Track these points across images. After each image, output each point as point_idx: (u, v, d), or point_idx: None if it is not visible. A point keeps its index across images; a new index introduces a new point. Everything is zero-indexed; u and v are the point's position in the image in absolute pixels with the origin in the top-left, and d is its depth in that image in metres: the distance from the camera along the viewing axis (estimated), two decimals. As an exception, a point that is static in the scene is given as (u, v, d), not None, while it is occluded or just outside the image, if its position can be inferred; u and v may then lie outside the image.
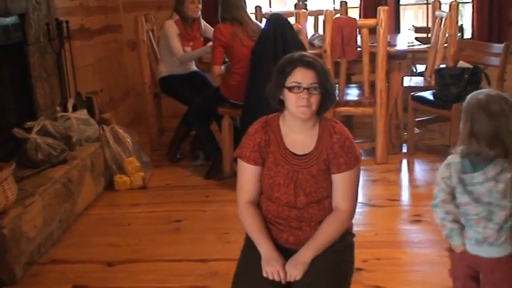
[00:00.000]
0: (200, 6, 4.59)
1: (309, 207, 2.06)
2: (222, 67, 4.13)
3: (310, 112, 2.01)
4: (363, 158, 2.15)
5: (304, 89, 1.99)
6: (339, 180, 2.05)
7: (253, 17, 4.76)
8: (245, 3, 4.11)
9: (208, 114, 4.32)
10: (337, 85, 4.22)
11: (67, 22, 4.13)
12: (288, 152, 2.08)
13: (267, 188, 2.09)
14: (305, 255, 2.00)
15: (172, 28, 4.52)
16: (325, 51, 4.12)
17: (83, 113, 4.00)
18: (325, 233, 2.04)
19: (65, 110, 3.96)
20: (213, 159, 4.26)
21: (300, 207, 2.06)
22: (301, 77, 2.00)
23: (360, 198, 3.51)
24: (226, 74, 4.19)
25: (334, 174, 2.06)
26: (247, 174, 2.11)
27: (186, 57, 4.58)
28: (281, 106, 2.09)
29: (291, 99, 2.01)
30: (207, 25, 4.76)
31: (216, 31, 4.05)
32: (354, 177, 2.07)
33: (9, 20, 3.48)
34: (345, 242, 2.11)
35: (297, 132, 2.08)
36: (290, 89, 2.00)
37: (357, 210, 2.14)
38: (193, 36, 4.67)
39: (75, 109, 4.01)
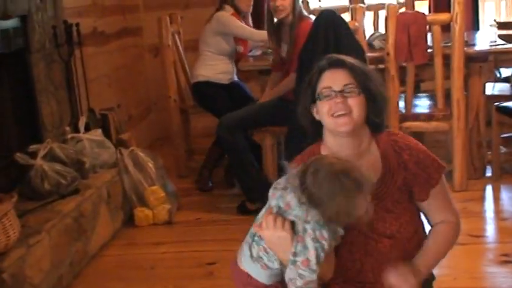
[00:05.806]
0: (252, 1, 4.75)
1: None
2: None
3: (352, 122, 1.89)
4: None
5: (336, 92, 1.89)
6: (430, 204, 2.01)
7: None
8: None
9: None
10: (403, 95, 4.26)
11: (77, 25, 4.17)
12: None
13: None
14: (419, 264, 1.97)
15: (234, 18, 4.62)
16: (387, 54, 4.10)
17: (97, 134, 4.03)
18: (438, 243, 2.01)
19: (76, 130, 3.99)
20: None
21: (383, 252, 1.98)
22: (330, 80, 1.92)
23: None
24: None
25: (422, 202, 2.01)
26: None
27: (263, 35, 4.47)
28: (318, 129, 2.01)
29: (322, 109, 1.92)
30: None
31: (305, 30, 3.79)
32: (444, 188, 2.03)
33: (9, 23, 3.48)
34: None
35: (350, 159, 1.88)
36: (320, 98, 1.92)
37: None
38: None
39: (87, 129, 4.05)
